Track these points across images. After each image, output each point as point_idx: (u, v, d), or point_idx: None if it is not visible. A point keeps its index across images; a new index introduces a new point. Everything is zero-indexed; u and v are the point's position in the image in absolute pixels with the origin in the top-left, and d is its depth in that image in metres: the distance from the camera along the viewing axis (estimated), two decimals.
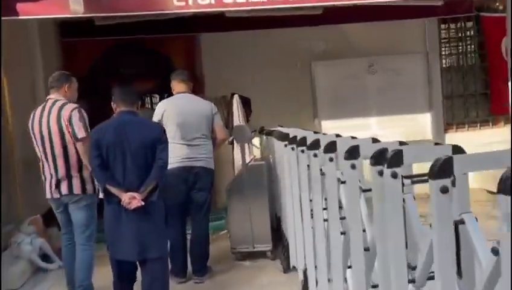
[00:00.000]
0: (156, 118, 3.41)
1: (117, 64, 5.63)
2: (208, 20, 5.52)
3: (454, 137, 5.98)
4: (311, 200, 2.52)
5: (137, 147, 2.83)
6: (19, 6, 3.39)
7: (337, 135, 2.61)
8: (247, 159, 3.88)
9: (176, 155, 3.30)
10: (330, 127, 5.34)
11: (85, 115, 2.98)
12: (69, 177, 3.01)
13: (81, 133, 2.93)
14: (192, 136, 3.37)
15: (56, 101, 3.03)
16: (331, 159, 2.06)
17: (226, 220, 5.12)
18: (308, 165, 2.52)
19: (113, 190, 2.83)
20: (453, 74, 6.28)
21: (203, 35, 5.67)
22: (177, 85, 3.52)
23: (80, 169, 3.00)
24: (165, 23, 5.38)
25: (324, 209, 2.25)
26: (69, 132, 2.95)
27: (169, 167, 3.17)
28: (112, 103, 2.92)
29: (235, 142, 4.19)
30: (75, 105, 2.99)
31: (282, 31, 5.62)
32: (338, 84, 5.61)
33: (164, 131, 2.97)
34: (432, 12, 5.69)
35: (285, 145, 3.21)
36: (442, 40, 6.17)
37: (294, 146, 2.86)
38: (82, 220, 3.06)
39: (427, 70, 5.69)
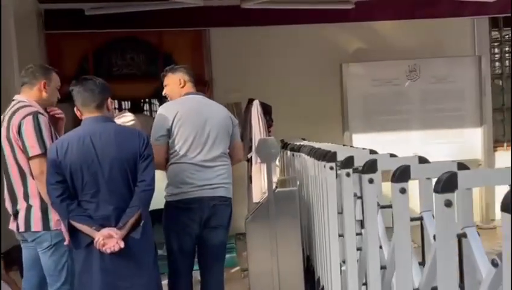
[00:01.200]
0: (161, 124, 2.42)
1: (110, 62, 4.77)
2: (219, 11, 4.70)
3: (505, 157, 5.07)
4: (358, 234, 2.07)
5: (111, 166, 2.01)
6: None
7: (372, 151, 2.29)
8: (273, 183, 2.98)
9: (188, 180, 2.37)
10: (363, 142, 4.44)
11: (43, 123, 2.09)
12: (27, 208, 2.12)
13: (33, 150, 2.05)
14: (213, 154, 2.44)
15: (17, 103, 2.15)
16: (370, 181, 1.80)
17: (236, 252, 4.23)
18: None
19: (82, 228, 1.99)
20: (505, 82, 5.39)
21: (212, 30, 4.84)
22: (190, 85, 2.60)
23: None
24: (167, 15, 4.56)
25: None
26: (19, 146, 2.07)
27: (175, 197, 2.37)
28: (75, 109, 2.08)
29: (253, 159, 3.30)
30: (31, 110, 2.10)
31: (307, 28, 4.80)
32: (373, 91, 4.73)
33: (147, 140, 2.11)
34: (482, 10, 4.85)
35: (328, 167, 2.35)
36: (493, 43, 5.29)
37: (334, 166, 2.25)
38: (48, 268, 2.16)
39: (478, 77, 4.79)
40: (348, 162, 2.07)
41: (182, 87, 2.55)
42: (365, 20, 4.86)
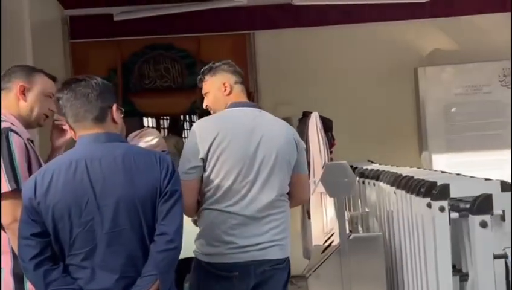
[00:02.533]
0: (193, 150, 1.70)
1: (142, 73, 4.20)
2: (265, 11, 4.04)
3: None
4: None
5: (116, 210, 1.33)
6: None
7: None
8: (346, 225, 2.21)
9: (226, 238, 1.64)
10: (445, 165, 3.56)
11: (17, 145, 1.42)
12: None
13: (3, 186, 1.39)
14: (266, 198, 1.66)
15: None
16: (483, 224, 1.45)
17: None
18: None
19: None
20: None
21: (258, 34, 4.18)
22: (240, 89, 1.86)
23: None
24: (206, 17, 3.95)
25: None
26: None
27: (208, 259, 1.64)
28: (68, 127, 1.44)
29: (311, 188, 2.54)
30: (4, 125, 1.43)
31: (371, 27, 4.01)
32: (457, 101, 3.84)
33: (173, 169, 1.40)
34: None
35: (437, 208, 1.59)
36: None
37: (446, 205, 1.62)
38: None
39: None
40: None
41: (229, 94, 1.83)
42: (443, 15, 4.02)
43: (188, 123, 8.28)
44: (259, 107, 1.93)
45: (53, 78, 1.64)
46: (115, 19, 3.97)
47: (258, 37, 4.19)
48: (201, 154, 1.67)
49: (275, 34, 4.13)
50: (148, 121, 7.75)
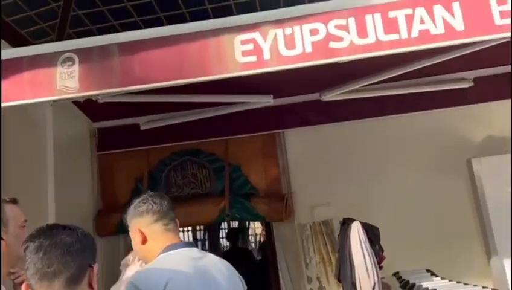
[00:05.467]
0: None
1: (168, 182, 4.08)
2: (294, 109, 3.94)
3: None
4: None
5: None
6: None
7: None
8: None
9: None
10: None
11: None
12: None
13: None
14: None
15: None
16: None
17: None
18: None
19: None
20: None
21: (287, 132, 4.02)
22: (161, 230, 1.65)
23: None
24: (233, 119, 3.88)
25: None
26: None
27: None
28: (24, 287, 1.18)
29: None
30: None
31: (411, 117, 3.76)
32: None
33: None
34: None
35: None
36: None
37: None
38: None
39: None
40: None
41: (143, 242, 1.61)
42: (489, 100, 3.72)
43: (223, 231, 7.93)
44: (195, 245, 1.71)
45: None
46: (142, 128, 3.99)
47: (289, 136, 4.02)
48: None
49: (306, 132, 3.96)
50: (184, 235, 7.58)
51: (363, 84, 3.47)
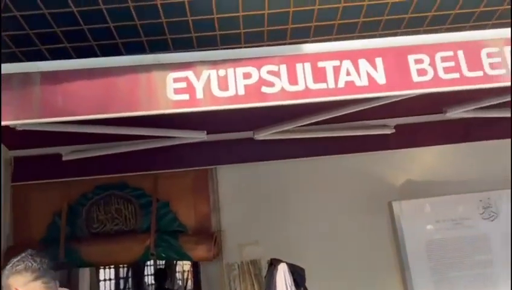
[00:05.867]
0: None
1: (89, 217, 3.84)
2: (228, 146, 3.93)
3: None
4: None
5: None
6: None
7: None
8: None
9: None
10: None
11: None
12: None
13: None
14: None
15: None
16: None
17: None
18: None
19: None
20: None
21: (220, 169, 3.99)
22: (40, 288, 1.58)
23: None
24: (164, 153, 3.79)
25: None
26: None
27: None
28: None
29: None
30: None
31: (339, 159, 3.91)
32: (437, 236, 3.58)
33: None
34: None
35: None
36: None
37: None
38: None
39: None
40: None
41: None
42: (409, 146, 3.99)
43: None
44: None
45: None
46: (64, 158, 3.77)
47: (221, 173, 4.00)
48: None
49: (239, 169, 3.96)
50: (105, 272, 7.12)
51: (296, 125, 3.59)
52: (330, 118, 3.39)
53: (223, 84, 1.99)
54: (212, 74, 2.00)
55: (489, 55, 2.00)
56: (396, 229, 3.57)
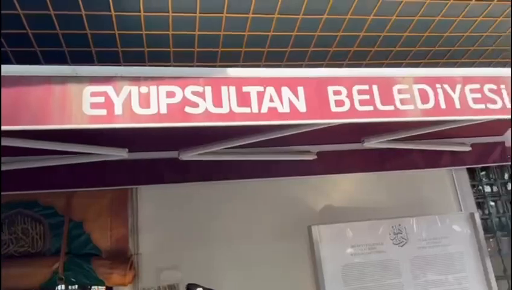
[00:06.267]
0: None
1: None
2: (149, 165, 3.81)
3: None
4: None
5: None
6: None
7: None
8: None
9: None
10: None
11: None
12: None
13: None
14: None
15: None
16: None
17: None
18: None
19: None
20: (502, 242, 4.68)
21: (140, 190, 3.84)
22: None
23: None
24: (78, 170, 3.58)
25: None
26: None
27: None
28: None
29: None
30: None
31: (262, 183, 3.96)
32: (353, 261, 3.73)
33: None
34: (459, 161, 4.38)
35: None
36: (477, 198, 4.73)
37: None
38: None
39: (474, 237, 4.01)
40: None
41: None
42: (331, 173, 4.15)
43: None
44: None
45: None
46: None
47: (142, 193, 3.86)
48: None
49: (161, 190, 3.85)
50: None
51: (222, 147, 3.58)
52: (256, 142, 3.44)
53: (145, 101, 1.94)
54: (133, 90, 1.94)
55: (399, 91, 2.16)
56: (314, 253, 3.66)
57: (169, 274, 3.62)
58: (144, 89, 1.96)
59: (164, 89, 1.98)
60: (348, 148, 4.32)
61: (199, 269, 3.55)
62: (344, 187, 4.27)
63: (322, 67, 3.87)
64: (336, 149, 4.30)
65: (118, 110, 1.91)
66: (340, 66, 3.92)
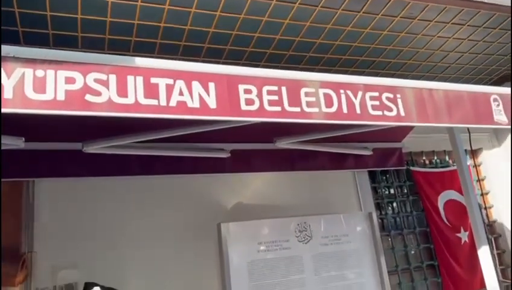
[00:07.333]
0: None
1: None
2: (48, 156, 3.54)
3: None
4: None
5: None
6: None
7: None
8: None
9: None
10: None
11: None
12: None
13: None
14: None
15: None
16: None
17: None
18: None
19: None
20: (395, 240, 5.09)
21: (38, 183, 3.55)
22: None
23: None
24: None
25: None
26: None
27: None
28: None
29: None
30: None
31: (172, 179, 3.88)
32: (260, 257, 3.79)
33: None
34: (361, 164, 4.69)
35: None
36: (376, 199, 5.09)
37: None
38: None
39: (371, 235, 4.31)
40: None
41: None
42: (244, 171, 4.20)
43: None
44: None
45: None
46: None
47: (40, 186, 3.57)
48: None
49: (62, 184, 3.60)
50: None
51: (131, 141, 3.43)
52: (168, 137, 3.35)
53: (40, 86, 1.78)
54: (27, 72, 1.78)
55: (306, 94, 2.24)
56: (222, 250, 3.67)
57: (66, 273, 3.39)
58: (39, 73, 1.80)
59: (63, 74, 1.84)
60: (260, 148, 4.41)
61: (102, 268, 3.37)
62: (255, 185, 4.34)
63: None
64: (249, 148, 4.37)
65: (8, 93, 1.73)
66: (257, 66, 3.99)
